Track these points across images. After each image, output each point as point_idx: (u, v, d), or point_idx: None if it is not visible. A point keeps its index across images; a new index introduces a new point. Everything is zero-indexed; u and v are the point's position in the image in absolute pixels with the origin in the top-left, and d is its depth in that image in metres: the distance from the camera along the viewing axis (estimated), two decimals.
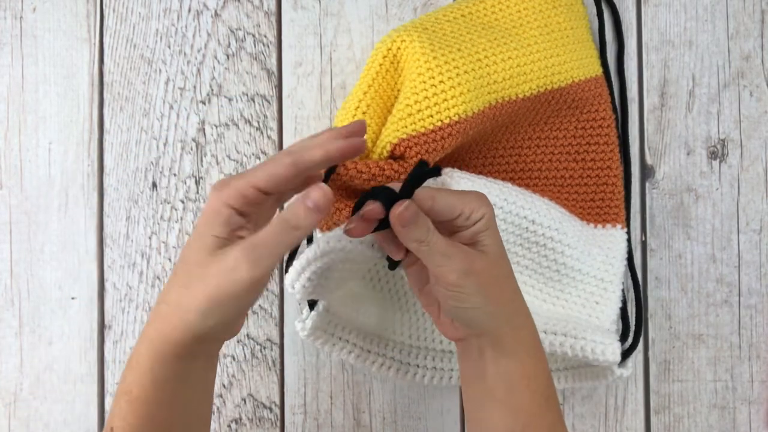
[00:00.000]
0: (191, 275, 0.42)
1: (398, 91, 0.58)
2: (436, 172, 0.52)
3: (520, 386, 0.47)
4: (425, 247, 0.45)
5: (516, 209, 0.56)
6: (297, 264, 0.49)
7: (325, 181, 0.53)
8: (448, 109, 0.55)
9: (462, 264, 0.44)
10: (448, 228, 0.47)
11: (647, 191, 0.65)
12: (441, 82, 0.55)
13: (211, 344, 0.47)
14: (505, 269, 0.47)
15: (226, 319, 0.43)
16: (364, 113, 0.56)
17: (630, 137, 0.65)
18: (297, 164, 0.43)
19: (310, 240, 0.59)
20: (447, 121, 0.55)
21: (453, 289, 0.45)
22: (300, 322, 0.58)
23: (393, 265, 0.51)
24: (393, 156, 0.55)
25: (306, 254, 0.49)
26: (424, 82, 0.55)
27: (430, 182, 0.57)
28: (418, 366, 0.61)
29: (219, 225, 0.42)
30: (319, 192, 0.41)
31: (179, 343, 0.43)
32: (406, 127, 0.55)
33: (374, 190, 0.45)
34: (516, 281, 0.49)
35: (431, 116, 0.55)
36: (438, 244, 0.45)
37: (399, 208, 0.44)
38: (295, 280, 0.51)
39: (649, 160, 0.65)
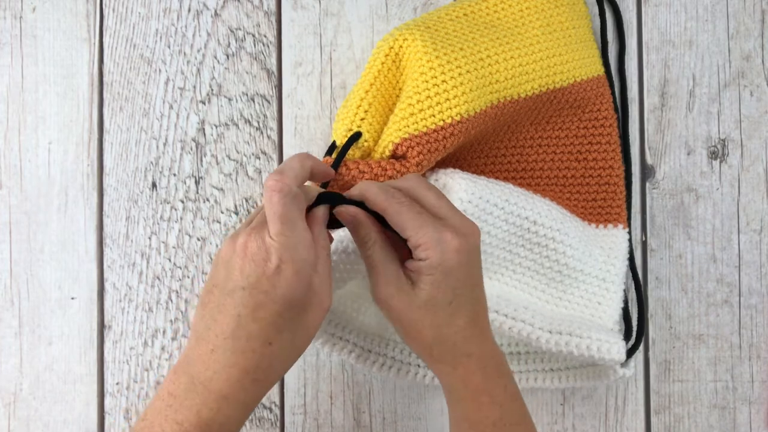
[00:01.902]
0: None
1: (400, 89, 0.58)
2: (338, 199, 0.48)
3: (463, 426, 0.47)
4: (363, 252, 0.46)
5: (517, 210, 0.56)
6: None
7: (324, 186, 0.53)
8: (450, 108, 0.55)
9: (382, 289, 0.45)
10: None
11: (647, 191, 0.65)
12: (443, 81, 0.55)
13: None
14: (430, 321, 0.44)
15: None
16: (366, 112, 0.56)
17: (630, 137, 0.65)
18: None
19: None
20: (449, 120, 0.55)
21: (378, 305, 0.46)
22: None
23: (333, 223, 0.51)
24: (395, 156, 0.55)
25: None
26: (426, 82, 0.55)
27: (431, 181, 0.57)
28: (419, 366, 0.61)
29: None
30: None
31: None
32: (408, 126, 0.55)
33: (324, 195, 0.46)
34: (454, 333, 0.45)
35: (433, 116, 0.55)
36: (372, 258, 0.45)
37: (338, 212, 0.46)
38: None
39: (649, 160, 0.65)
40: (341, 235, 0.51)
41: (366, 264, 0.46)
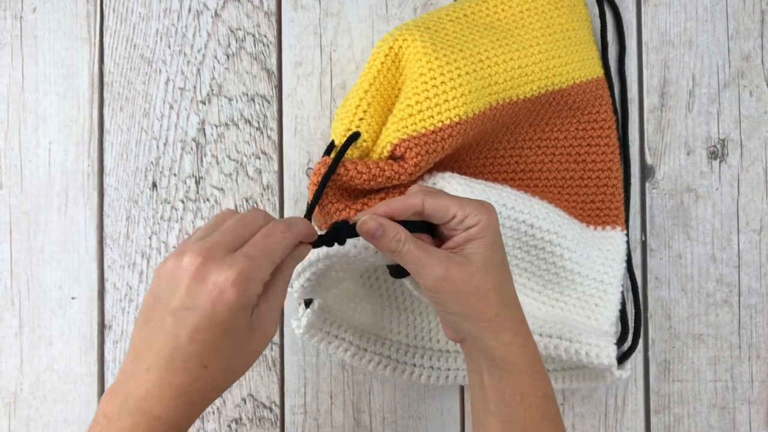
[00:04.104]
0: None
1: (399, 90, 0.58)
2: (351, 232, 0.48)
3: (513, 401, 0.47)
4: (398, 256, 0.46)
5: (515, 214, 0.56)
6: (298, 265, 0.50)
7: (327, 177, 0.53)
8: (449, 110, 0.55)
9: (437, 270, 0.45)
10: (445, 232, 0.47)
11: (647, 191, 0.65)
12: (442, 83, 0.55)
13: None
14: (492, 281, 0.46)
15: None
16: (364, 112, 0.56)
17: (630, 137, 0.65)
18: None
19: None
20: (447, 122, 0.55)
21: (430, 295, 0.46)
22: (296, 320, 0.58)
23: (397, 273, 0.51)
24: (393, 156, 0.55)
25: (308, 255, 0.49)
26: (426, 83, 0.55)
27: (429, 184, 0.57)
28: (414, 365, 0.61)
29: None
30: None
31: None
32: (406, 127, 0.55)
33: (336, 225, 0.47)
34: (511, 295, 0.47)
35: (432, 117, 0.55)
36: (411, 252, 0.45)
37: (362, 224, 0.45)
38: (295, 279, 0.51)
39: (649, 160, 0.65)
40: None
41: (407, 263, 0.46)
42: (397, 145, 0.55)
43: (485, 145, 0.62)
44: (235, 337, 0.41)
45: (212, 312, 0.39)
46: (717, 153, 0.65)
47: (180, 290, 0.40)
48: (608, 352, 0.55)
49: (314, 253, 0.50)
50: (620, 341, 0.60)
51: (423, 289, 0.47)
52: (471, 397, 0.50)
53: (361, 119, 0.56)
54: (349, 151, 0.55)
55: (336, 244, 0.47)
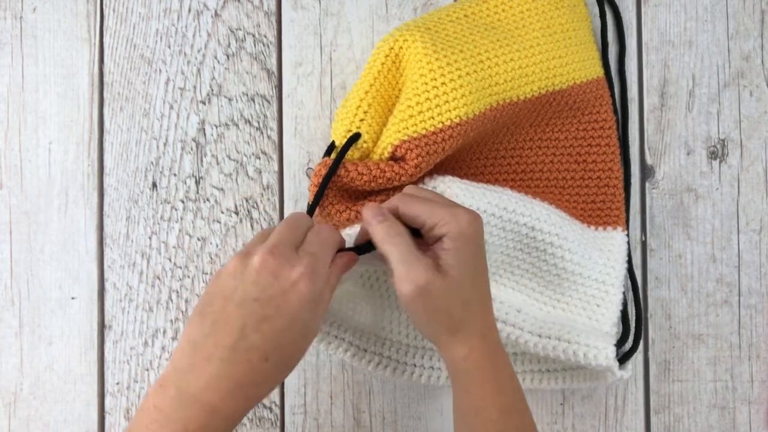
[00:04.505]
0: None
1: (399, 90, 0.58)
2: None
3: (468, 414, 0.47)
4: (390, 247, 0.45)
5: (515, 217, 0.56)
6: None
7: (328, 178, 0.53)
8: (450, 111, 0.55)
9: (420, 278, 0.44)
10: (425, 237, 0.48)
11: (647, 191, 0.65)
12: (443, 84, 0.55)
13: None
14: (461, 297, 0.46)
15: None
16: (365, 113, 0.56)
17: (630, 137, 0.65)
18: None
19: None
20: (448, 123, 0.55)
21: (404, 303, 0.46)
22: None
23: (365, 249, 0.51)
24: (394, 157, 0.55)
25: None
26: (426, 84, 0.55)
27: (429, 187, 0.57)
28: (415, 365, 0.61)
29: None
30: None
31: None
32: (407, 128, 0.55)
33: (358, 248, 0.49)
34: (478, 311, 0.47)
35: (432, 118, 0.55)
36: (401, 248, 0.45)
37: (368, 207, 0.47)
38: None
39: (649, 160, 0.65)
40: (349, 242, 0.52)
41: (395, 258, 0.45)
42: (397, 146, 0.55)
43: (486, 145, 0.62)
44: (297, 331, 0.42)
45: (284, 303, 0.41)
46: (717, 153, 0.65)
47: (247, 284, 0.41)
48: (606, 354, 0.55)
49: None
50: (621, 342, 0.60)
51: (398, 291, 0.46)
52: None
53: (361, 120, 0.56)
54: (349, 152, 0.55)
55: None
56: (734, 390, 0.64)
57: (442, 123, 0.55)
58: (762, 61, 0.65)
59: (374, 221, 0.46)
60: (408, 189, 0.50)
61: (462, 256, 0.45)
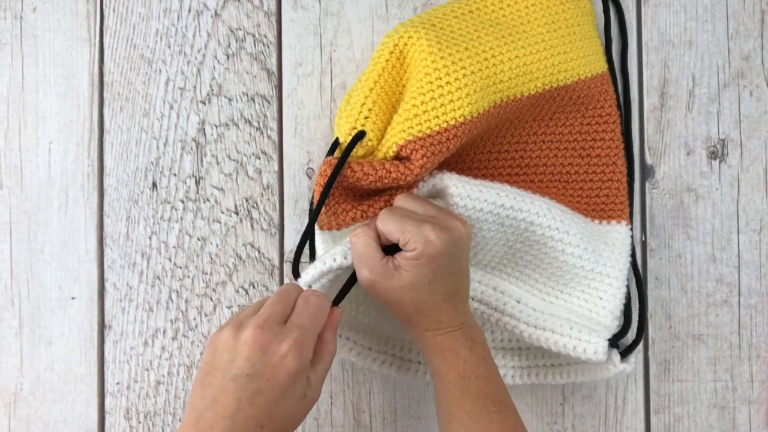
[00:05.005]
0: None
1: (403, 87, 0.58)
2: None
3: (434, 382, 0.53)
4: (352, 243, 0.52)
5: (513, 213, 0.56)
6: (313, 271, 0.53)
7: (333, 177, 0.53)
8: (455, 110, 0.55)
9: (366, 274, 0.51)
10: None
11: (647, 191, 0.65)
12: (448, 83, 0.55)
13: None
14: (412, 299, 0.51)
15: None
16: (369, 110, 0.56)
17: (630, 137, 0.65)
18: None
19: (313, 241, 0.58)
20: (453, 122, 0.55)
21: (364, 287, 0.52)
22: None
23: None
24: (399, 157, 0.55)
25: (316, 268, 0.53)
26: (431, 83, 0.55)
27: (429, 184, 0.57)
28: (419, 363, 0.61)
29: None
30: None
31: None
32: (412, 128, 0.55)
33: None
34: (430, 317, 0.52)
35: (437, 117, 0.55)
36: (357, 246, 0.51)
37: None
38: (313, 284, 0.53)
39: (649, 160, 0.65)
40: (339, 249, 0.53)
41: (354, 254, 0.52)
42: (402, 146, 0.54)
43: (489, 140, 0.62)
44: (290, 401, 0.46)
45: (273, 377, 0.45)
46: (717, 153, 0.65)
47: (239, 359, 0.45)
48: (596, 348, 0.55)
49: (333, 261, 0.53)
50: (620, 335, 0.60)
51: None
52: None
53: (366, 117, 0.56)
54: (354, 150, 0.55)
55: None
56: (734, 390, 0.64)
57: (447, 122, 0.55)
58: (762, 61, 0.65)
59: (352, 238, 0.52)
60: (398, 199, 0.54)
61: (421, 270, 0.50)
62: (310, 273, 0.53)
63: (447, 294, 0.52)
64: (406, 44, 0.57)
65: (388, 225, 0.51)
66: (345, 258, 0.52)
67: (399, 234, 0.50)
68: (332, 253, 0.52)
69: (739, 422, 0.64)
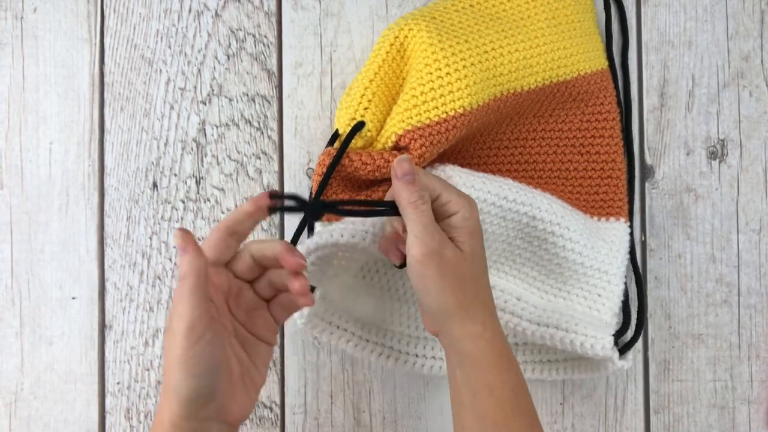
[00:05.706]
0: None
1: (404, 79, 0.58)
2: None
3: (482, 394, 0.47)
4: (412, 210, 0.46)
5: (515, 206, 0.56)
6: (303, 247, 0.50)
7: (332, 167, 0.53)
8: (454, 101, 0.55)
9: (435, 244, 0.45)
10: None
11: (647, 191, 0.65)
12: (447, 74, 0.55)
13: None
14: (472, 272, 0.47)
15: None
16: (369, 101, 0.56)
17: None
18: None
19: (311, 227, 0.58)
20: (452, 113, 0.55)
21: (417, 266, 0.46)
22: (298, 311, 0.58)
23: (402, 264, 0.51)
24: (397, 147, 0.56)
25: (315, 239, 0.50)
26: (431, 74, 0.55)
27: (431, 173, 0.57)
28: (417, 355, 0.61)
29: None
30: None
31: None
32: (411, 118, 0.55)
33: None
34: (485, 288, 0.48)
35: (436, 108, 0.55)
36: (425, 215, 0.46)
37: (400, 160, 0.47)
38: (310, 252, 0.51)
39: (648, 160, 0.65)
40: (350, 228, 0.51)
41: (415, 222, 0.46)
42: (401, 135, 0.55)
43: (489, 136, 0.62)
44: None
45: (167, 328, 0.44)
46: (716, 153, 0.65)
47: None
48: (603, 344, 0.55)
49: (322, 238, 0.50)
50: (621, 332, 0.60)
51: (410, 256, 0.46)
52: (449, 392, 0.50)
53: (366, 108, 0.56)
54: (353, 141, 0.55)
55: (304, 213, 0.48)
56: (734, 390, 0.65)
57: (446, 113, 0.55)
58: (762, 61, 0.65)
59: (404, 180, 0.46)
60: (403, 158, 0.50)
61: (473, 236, 0.47)
62: (307, 245, 0.51)
63: (487, 275, 0.49)
64: (406, 36, 0.57)
65: (431, 180, 0.47)
66: (353, 237, 0.50)
67: (443, 190, 0.47)
68: (339, 229, 0.51)
69: (738, 422, 0.64)
